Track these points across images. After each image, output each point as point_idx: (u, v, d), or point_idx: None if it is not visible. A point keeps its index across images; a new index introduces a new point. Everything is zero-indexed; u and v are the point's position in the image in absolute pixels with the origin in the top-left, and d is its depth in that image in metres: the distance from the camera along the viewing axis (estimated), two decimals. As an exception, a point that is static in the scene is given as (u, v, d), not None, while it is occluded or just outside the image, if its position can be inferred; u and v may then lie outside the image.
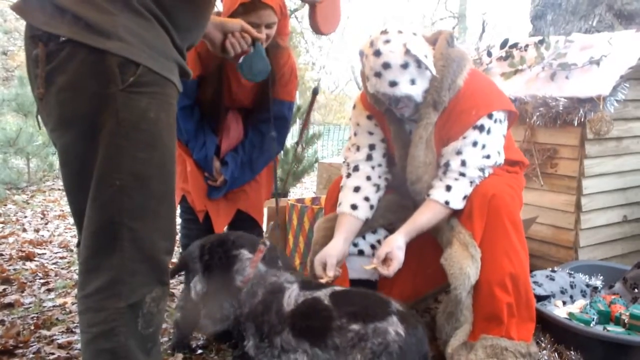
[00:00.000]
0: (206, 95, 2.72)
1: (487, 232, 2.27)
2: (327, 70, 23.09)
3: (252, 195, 2.89)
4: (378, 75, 2.19)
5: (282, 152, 5.05)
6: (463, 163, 2.30)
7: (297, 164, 5.57)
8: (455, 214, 2.36)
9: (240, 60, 2.34)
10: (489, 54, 3.79)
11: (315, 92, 2.12)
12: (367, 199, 2.50)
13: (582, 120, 3.04)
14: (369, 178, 2.53)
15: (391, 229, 2.69)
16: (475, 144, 2.30)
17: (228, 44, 2.25)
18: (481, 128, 2.29)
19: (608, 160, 3.26)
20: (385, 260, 2.28)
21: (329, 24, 2.03)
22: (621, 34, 3.43)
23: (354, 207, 2.46)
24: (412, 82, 2.20)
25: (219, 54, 2.32)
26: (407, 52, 2.15)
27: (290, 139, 6.32)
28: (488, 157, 2.32)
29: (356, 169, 2.54)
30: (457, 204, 2.32)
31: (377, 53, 2.17)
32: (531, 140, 3.32)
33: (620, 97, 3.06)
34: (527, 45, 3.63)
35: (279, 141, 2.91)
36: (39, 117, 1.53)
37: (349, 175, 2.55)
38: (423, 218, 2.34)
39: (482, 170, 2.33)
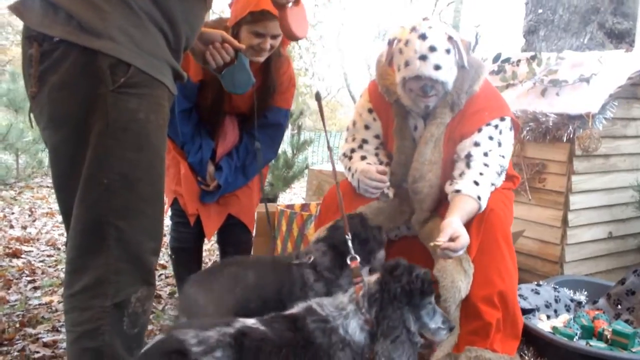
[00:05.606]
0: (206, 100, 2.72)
1: (480, 248, 2.29)
2: (319, 77, 23.08)
3: (243, 201, 2.88)
4: (423, 58, 2.19)
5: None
6: (485, 154, 2.33)
7: (288, 169, 5.58)
8: None
9: (223, 71, 2.33)
10: (482, 68, 3.81)
11: (318, 97, 2.11)
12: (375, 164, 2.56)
13: (571, 136, 3.07)
14: (367, 157, 2.59)
15: (387, 239, 2.69)
16: (491, 138, 2.34)
17: (208, 55, 2.21)
18: (495, 127, 2.36)
19: (595, 177, 3.29)
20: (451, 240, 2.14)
21: (301, 28, 1.98)
22: (611, 54, 3.48)
23: (368, 164, 2.51)
24: (451, 69, 2.26)
25: (201, 64, 2.29)
26: (450, 38, 2.23)
27: (283, 146, 6.33)
28: (504, 157, 2.36)
29: (353, 151, 2.61)
30: (485, 202, 2.28)
31: (424, 36, 2.20)
32: (520, 155, 3.34)
33: (609, 115, 3.11)
34: (519, 61, 3.66)
35: (273, 148, 2.93)
36: (32, 115, 1.53)
37: (350, 158, 2.59)
38: (466, 207, 2.24)
39: (500, 168, 2.36)
